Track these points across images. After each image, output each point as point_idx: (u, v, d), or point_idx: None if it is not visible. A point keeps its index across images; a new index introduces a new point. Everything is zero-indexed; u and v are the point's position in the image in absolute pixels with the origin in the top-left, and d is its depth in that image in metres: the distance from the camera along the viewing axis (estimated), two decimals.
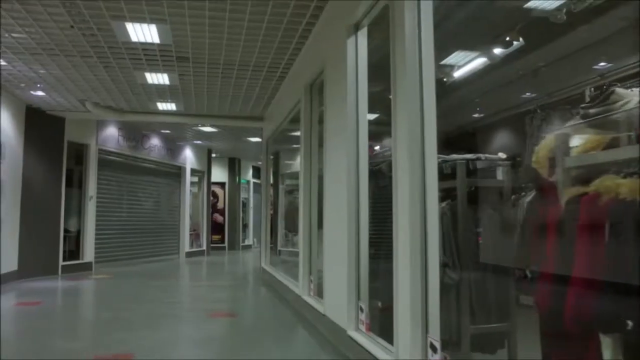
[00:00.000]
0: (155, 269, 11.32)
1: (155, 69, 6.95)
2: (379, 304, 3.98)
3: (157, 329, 4.99)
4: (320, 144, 6.00)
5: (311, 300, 5.52)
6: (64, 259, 9.79)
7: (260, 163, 19.79)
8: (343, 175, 4.27)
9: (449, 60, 4.74)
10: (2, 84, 7.75)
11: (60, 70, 6.99)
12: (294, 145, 10.10)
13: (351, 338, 3.97)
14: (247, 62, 6.74)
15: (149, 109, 9.38)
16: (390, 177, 4.46)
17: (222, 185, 17.12)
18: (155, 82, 7.51)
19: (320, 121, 5.89)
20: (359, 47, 4.21)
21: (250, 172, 18.97)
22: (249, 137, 13.33)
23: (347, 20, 4.23)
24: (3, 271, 8.15)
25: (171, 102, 8.84)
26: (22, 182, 8.82)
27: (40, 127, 9.24)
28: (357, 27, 4.22)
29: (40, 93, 8.23)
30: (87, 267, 10.32)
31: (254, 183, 19.24)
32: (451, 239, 3.11)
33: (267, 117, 9.79)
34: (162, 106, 9.15)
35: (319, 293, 5.53)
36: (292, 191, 9.44)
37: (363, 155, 4.15)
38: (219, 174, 16.74)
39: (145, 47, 6.09)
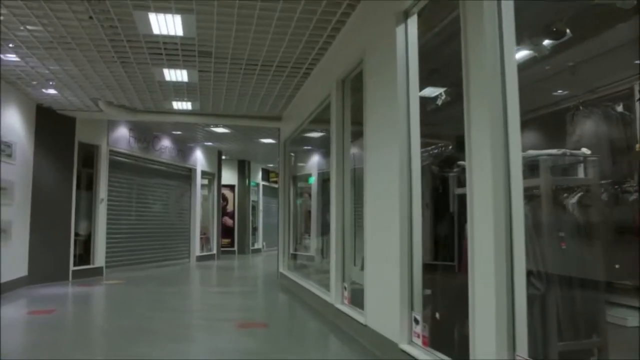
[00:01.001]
0: (167, 274, 10.97)
1: (174, 65, 6.61)
2: (437, 315, 3.63)
3: (185, 342, 4.63)
4: (351, 140, 5.67)
5: (347, 309, 5.17)
6: (75, 264, 9.43)
7: (270, 165, 19.50)
8: (392, 173, 3.93)
9: None
10: (13, 82, 7.42)
11: (74, 66, 6.66)
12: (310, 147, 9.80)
13: (404, 352, 3.61)
14: (272, 59, 6.42)
15: (164, 108, 9.05)
16: (442, 176, 4.14)
17: (231, 187, 16.77)
18: (174, 79, 7.18)
19: (355, 120, 5.57)
20: (409, 35, 3.88)
21: (260, 174, 18.63)
22: (261, 138, 12.99)
23: (396, 7, 3.90)
24: (13, 277, 7.80)
25: (187, 101, 8.50)
26: (32, 184, 8.48)
27: (51, 127, 8.91)
28: (406, 15, 3.89)
29: (52, 91, 7.90)
30: (97, 272, 9.96)
31: (264, 185, 18.90)
32: (535, 244, 2.77)
33: (285, 117, 9.45)
34: (177, 105, 8.82)
35: (355, 301, 5.18)
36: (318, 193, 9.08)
37: (415, 152, 3.81)
38: (228, 176, 16.40)
39: (166, 40, 5.76)
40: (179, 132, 12.40)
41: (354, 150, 8.09)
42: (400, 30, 3.91)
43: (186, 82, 7.40)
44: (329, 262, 8.18)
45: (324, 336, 5.06)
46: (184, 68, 6.73)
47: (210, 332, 5.07)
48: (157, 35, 5.62)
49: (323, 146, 9.89)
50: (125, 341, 4.68)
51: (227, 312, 6.35)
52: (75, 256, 9.48)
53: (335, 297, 5.52)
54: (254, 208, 17.97)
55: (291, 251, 9.82)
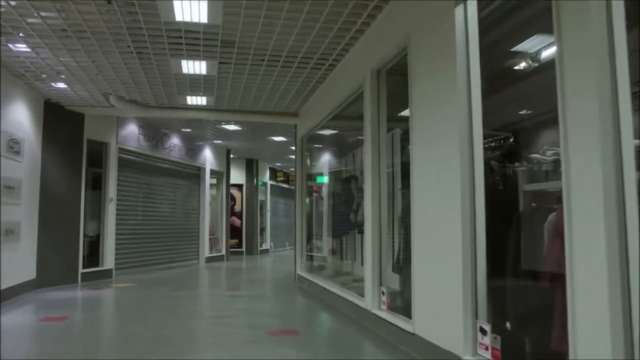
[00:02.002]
0: (178, 276, 10.60)
1: (194, 56, 6.25)
2: (507, 324, 3.28)
3: (218, 351, 4.27)
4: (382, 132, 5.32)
5: (386, 316, 4.81)
6: (83, 266, 9.05)
7: (278, 164, 19.13)
8: (449, 169, 3.58)
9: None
10: (21, 75, 7.04)
11: (87, 57, 6.28)
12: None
13: None
14: (298, 50, 6.07)
15: (177, 103, 8.68)
16: (503, 172, 3.78)
17: (239, 187, 16.40)
18: (191, 71, 6.81)
19: (396, 117, 5.22)
20: (469, 15, 3.53)
21: (267, 173, 18.26)
22: (272, 136, 12.63)
23: None
24: (21, 280, 7.42)
25: (203, 95, 8.13)
26: (40, 183, 8.10)
27: (59, 123, 8.53)
28: None
29: (61, 85, 7.52)
30: (107, 274, 9.59)
31: (271, 185, 18.54)
32: None
33: (303, 114, 9.10)
34: (191, 100, 8.45)
35: (396, 307, 4.83)
36: (335, 192, 8.71)
37: (478, 145, 3.46)
38: (236, 175, 16.02)
39: (189, 28, 5.40)
40: (188, 130, 12.03)
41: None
42: (459, 11, 3.55)
43: (203, 75, 7.03)
44: (351, 263, 7.89)
45: (364, 345, 4.70)
46: (203, 59, 6.36)
47: (241, 340, 4.70)
48: (179, 23, 5.26)
49: (335, 144, 9.55)
50: (151, 352, 4.31)
51: (252, 318, 5.98)
52: (83, 258, 9.11)
53: (371, 302, 5.17)
54: (262, 208, 17.61)
55: (310, 252, 9.42)
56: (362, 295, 5.94)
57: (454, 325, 3.46)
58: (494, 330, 3.18)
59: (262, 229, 17.62)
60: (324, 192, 9.73)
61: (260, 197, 17.42)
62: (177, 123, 11.23)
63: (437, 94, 3.83)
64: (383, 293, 5.06)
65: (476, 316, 3.35)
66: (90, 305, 7.20)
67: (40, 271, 8.01)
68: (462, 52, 3.52)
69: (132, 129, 10.50)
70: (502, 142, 3.83)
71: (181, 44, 5.84)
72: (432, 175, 3.91)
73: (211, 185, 14.23)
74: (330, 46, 5.92)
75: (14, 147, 7.07)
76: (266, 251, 17.80)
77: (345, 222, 7.80)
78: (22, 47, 5.96)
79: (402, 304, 4.96)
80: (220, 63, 6.53)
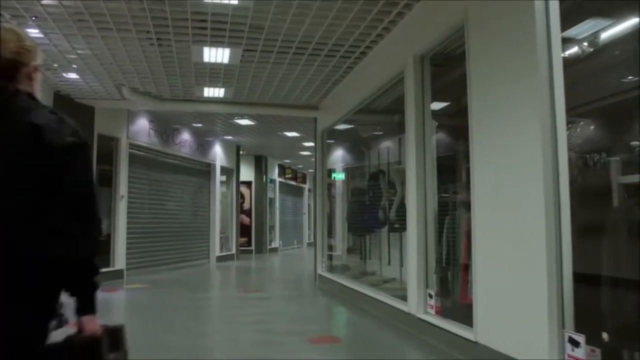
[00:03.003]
0: (191, 276, 10.20)
1: (218, 42, 5.84)
2: (604, 335, 2.89)
3: None
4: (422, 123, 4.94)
5: (435, 321, 4.43)
6: None
7: (286, 161, 18.74)
8: (524, 159, 3.19)
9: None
10: None
11: (104, 44, 5.87)
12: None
13: None
14: (329, 37, 5.69)
15: (193, 96, 8.27)
16: (584, 163, 3.40)
17: (248, 184, 16.00)
18: (212, 60, 6.40)
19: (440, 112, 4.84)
20: None
21: (276, 170, 17.86)
22: (286, 131, 12.23)
23: None
24: None
25: (221, 87, 7.72)
26: None
27: (69, 116, 8.07)
28: None
29: (72, 76, 7.11)
30: (118, 275, 9.18)
31: (280, 182, 18.15)
32: None
33: (324, 107, 8.70)
34: (208, 92, 8.04)
35: (446, 312, 4.45)
36: (357, 188, 8.31)
37: (561, 131, 3.07)
38: (245, 172, 15.61)
39: (217, 10, 5.00)
40: (199, 125, 11.62)
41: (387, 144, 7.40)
42: None
43: (225, 65, 6.63)
44: (379, 263, 7.50)
45: (414, 354, 4.31)
46: (227, 46, 5.95)
47: (285, 349, 4.29)
48: (207, 4, 4.86)
49: (359, 138, 9.17)
50: None
51: (287, 324, 5.60)
52: None
53: (416, 305, 4.78)
54: (271, 205, 17.21)
55: (331, 251, 9.01)
56: (398, 297, 5.58)
57: (534, 334, 3.08)
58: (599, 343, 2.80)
59: (271, 227, 17.23)
60: (342, 188, 9.33)
61: (269, 194, 17.02)
62: (188, 118, 10.83)
63: (508, 76, 3.44)
64: (430, 296, 4.67)
65: (562, 324, 2.97)
66: (105, 309, 6.76)
67: None
68: (542, 26, 3.13)
69: (142, 124, 10.09)
70: (581, 128, 3.45)
71: (206, 28, 5.43)
72: (500, 165, 3.52)
73: (221, 182, 13.83)
74: (366, 31, 5.52)
75: None
76: (275, 250, 17.41)
77: (373, 219, 7.42)
78: (34, 32, 5.54)
79: (450, 307, 4.59)
80: (244, 51, 6.13)
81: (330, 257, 9.19)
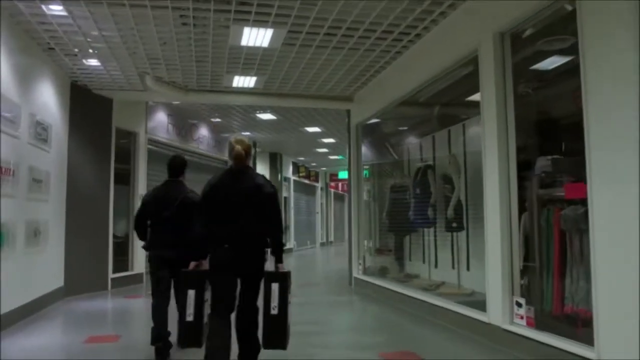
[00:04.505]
0: None
1: (262, 22, 5.25)
2: None
3: None
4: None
5: (530, 334, 3.86)
6: (113, 271, 8.04)
7: (300, 159, 18.14)
8: None
9: None
10: (50, 49, 6.03)
11: (134, 23, 5.25)
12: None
13: None
14: (384, 17, 5.13)
15: (220, 85, 7.66)
16: None
17: None
18: (251, 43, 5.81)
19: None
20: None
21: (290, 168, 17.26)
22: (307, 126, 11.65)
23: None
24: (49, 289, 6.42)
25: (254, 75, 7.12)
26: (67, 177, 7.08)
27: (86, 109, 7.51)
28: None
29: (93, 62, 6.50)
30: (137, 279, 8.59)
31: (294, 181, 17.55)
32: None
33: (359, 98, 8.11)
34: (238, 82, 7.43)
35: (540, 324, 3.87)
36: (397, 185, 7.71)
37: None
38: (259, 170, 14.98)
39: None
40: (217, 120, 11.02)
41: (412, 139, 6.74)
42: None
43: (263, 49, 6.03)
44: (426, 266, 6.91)
45: None
46: (271, 26, 5.36)
47: None
48: None
49: (384, 133, 8.62)
50: None
51: (343, 335, 5.02)
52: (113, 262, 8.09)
53: (501, 315, 4.20)
54: (285, 205, 16.62)
55: (371, 252, 8.39)
56: (464, 304, 5.01)
57: None
58: None
59: (286, 227, 16.63)
60: (372, 185, 8.72)
61: (284, 193, 16.42)
62: (206, 112, 10.24)
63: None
64: (519, 305, 4.09)
65: None
66: (135, 319, 6.20)
67: (69, 277, 6.99)
68: None
69: (161, 118, 9.50)
70: None
71: (252, 4, 4.84)
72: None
73: None
74: (429, 8, 4.94)
75: (41, 133, 6.05)
76: (290, 250, 16.82)
77: (420, 217, 6.83)
78: (57, 9, 4.94)
79: (543, 318, 4.01)
80: (289, 32, 5.54)
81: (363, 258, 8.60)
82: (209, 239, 3.21)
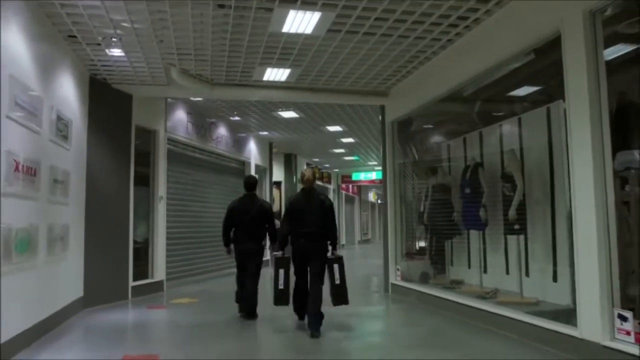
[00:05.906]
0: (235, 286, 9.02)
1: (310, 5, 4.75)
2: None
3: None
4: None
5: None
6: (134, 279, 7.51)
7: (315, 160, 17.63)
8: None
9: None
10: (71, 37, 5.51)
11: (168, 5, 4.74)
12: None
13: None
14: (430, 14, 4.68)
15: (250, 79, 7.15)
16: None
17: (277, 185, 14.86)
18: (294, 29, 5.31)
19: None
20: None
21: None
22: (329, 125, 11.15)
23: None
24: (69, 300, 5.88)
25: (289, 67, 6.61)
26: (86, 178, 6.55)
27: (105, 105, 7.00)
28: None
29: (116, 52, 5.98)
30: (158, 287, 8.07)
31: None
32: None
33: (395, 93, 7.62)
34: (269, 75, 6.92)
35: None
36: (439, 185, 7.18)
37: None
38: (275, 172, 14.48)
39: None
40: (236, 118, 10.51)
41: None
42: None
43: (305, 36, 5.53)
44: (477, 272, 6.36)
45: None
46: (320, 9, 4.86)
47: None
48: None
49: (437, 128, 8.15)
50: None
51: (403, 350, 4.49)
52: (133, 269, 7.55)
53: (600, 330, 3.69)
54: None
55: (409, 258, 7.85)
56: (533, 314, 4.51)
57: None
58: None
59: None
60: (411, 185, 8.21)
61: None
62: (225, 110, 9.73)
63: None
64: (624, 318, 3.58)
65: None
66: (167, 333, 5.64)
67: (89, 287, 6.45)
68: None
69: (180, 116, 8.99)
70: None
71: None
72: None
73: None
74: None
75: (62, 130, 5.52)
76: None
77: (469, 219, 6.32)
78: None
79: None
80: (335, 20, 5.04)
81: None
82: (290, 236, 5.23)
